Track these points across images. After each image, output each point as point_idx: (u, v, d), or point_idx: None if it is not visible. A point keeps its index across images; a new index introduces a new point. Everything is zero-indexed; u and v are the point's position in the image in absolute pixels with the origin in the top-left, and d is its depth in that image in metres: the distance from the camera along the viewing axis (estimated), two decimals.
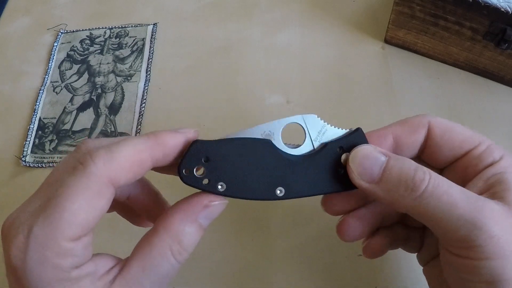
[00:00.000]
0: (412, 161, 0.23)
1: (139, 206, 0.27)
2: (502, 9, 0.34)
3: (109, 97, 0.44)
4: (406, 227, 0.28)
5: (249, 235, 0.35)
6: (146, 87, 0.44)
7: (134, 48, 0.47)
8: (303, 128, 0.25)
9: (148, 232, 0.23)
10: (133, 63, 0.46)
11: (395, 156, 0.23)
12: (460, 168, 0.25)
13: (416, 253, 0.29)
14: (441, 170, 0.27)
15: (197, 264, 0.34)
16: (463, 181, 0.24)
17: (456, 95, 0.40)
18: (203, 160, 0.23)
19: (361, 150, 0.24)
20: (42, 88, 0.46)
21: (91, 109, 0.43)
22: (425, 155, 0.26)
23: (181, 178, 0.23)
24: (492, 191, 0.22)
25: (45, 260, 0.19)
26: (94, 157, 0.20)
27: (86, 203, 0.20)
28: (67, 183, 0.20)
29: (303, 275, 0.33)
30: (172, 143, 0.23)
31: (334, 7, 0.48)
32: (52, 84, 0.46)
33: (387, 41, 0.44)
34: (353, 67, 0.43)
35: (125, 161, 0.21)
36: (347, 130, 0.25)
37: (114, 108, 0.43)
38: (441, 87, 0.41)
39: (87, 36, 0.49)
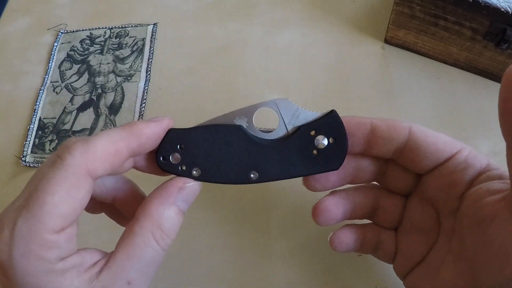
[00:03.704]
0: None
1: (125, 209, 0.27)
2: (502, 9, 0.34)
3: (109, 97, 0.44)
4: (378, 229, 0.28)
5: (249, 235, 0.35)
6: (146, 87, 0.44)
7: (134, 48, 0.47)
8: (276, 112, 0.25)
9: (130, 222, 0.23)
10: (133, 63, 0.46)
11: None
12: (445, 173, 0.25)
13: (392, 265, 0.28)
14: (420, 176, 0.26)
15: (197, 264, 0.34)
16: (450, 185, 0.24)
17: (456, 95, 0.40)
18: (178, 147, 0.24)
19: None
20: (42, 88, 0.46)
21: (91, 109, 0.43)
22: (404, 159, 0.26)
23: (159, 165, 0.24)
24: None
25: (30, 253, 0.19)
26: (71, 149, 0.21)
27: (66, 194, 0.20)
28: (46, 176, 0.20)
29: (303, 275, 0.33)
30: (147, 132, 0.23)
31: (334, 7, 0.48)
32: (52, 84, 0.46)
33: (387, 41, 0.44)
34: (353, 67, 0.43)
35: (101, 151, 0.21)
36: (322, 113, 0.25)
37: (114, 108, 0.43)
38: (441, 87, 0.41)
39: (87, 36, 0.49)
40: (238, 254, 0.34)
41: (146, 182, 0.27)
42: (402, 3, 0.39)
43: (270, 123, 0.26)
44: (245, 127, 0.25)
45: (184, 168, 0.24)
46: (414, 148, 0.25)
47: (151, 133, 0.24)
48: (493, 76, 0.40)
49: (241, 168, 0.25)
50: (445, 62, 0.42)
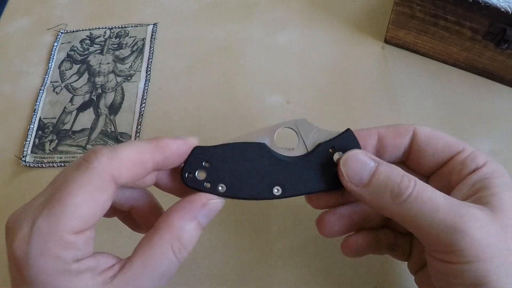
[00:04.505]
0: (400, 169, 0.23)
1: (141, 219, 0.27)
2: (502, 9, 0.34)
3: (109, 97, 0.44)
4: (393, 233, 0.28)
5: (249, 235, 0.35)
6: (146, 87, 0.44)
7: (134, 48, 0.47)
8: (296, 132, 0.26)
9: (149, 231, 0.23)
10: (133, 63, 0.46)
11: (384, 163, 0.24)
12: (445, 174, 0.25)
13: (407, 262, 0.28)
14: (427, 177, 0.27)
15: (197, 264, 0.34)
16: (448, 186, 0.24)
17: (456, 95, 0.40)
18: (204, 164, 0.25)
19: (353, 155, 0.24)
20: (42, 88, 0.46)
21: (91, 109, 0.43)
22: (410, 161, 0.26)
23: (184, 182, 0.25)
24: (477, 196, 0.23)
25: (47, 251, 0.20)
26: (98, 154, 0.21)
27: (88, 197, 0.20)
28: (70, 178, 0.21)
29: (303, 275, 0.33)
30: (172, 148, 0.24)
31: (334, 7, 0.48)
32: (52, 84, 0.46)
33: (387, 41, 0.44)
34: (353, 67, 0.43)
35: (127, 159, 0.22)
36: (337, 131, 0.26)
37: (114, 108, 0.43)
38: (441, 87, 0.41)
39: (87, 36, 0.49)
40: (238, 254, 0.34)
41: (164, 196, 0.27)
42: (402, 3, 0.39)
43: (289, 142, 0.26)
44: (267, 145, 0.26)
45: (208, 185, 0.25)
46: (418, 150, 0.25)
47: (176, 148, 0.24)
48: (493, 76, 0.40)
49: (265, 184, 0.25)
50: (445, 62, 0.42)
